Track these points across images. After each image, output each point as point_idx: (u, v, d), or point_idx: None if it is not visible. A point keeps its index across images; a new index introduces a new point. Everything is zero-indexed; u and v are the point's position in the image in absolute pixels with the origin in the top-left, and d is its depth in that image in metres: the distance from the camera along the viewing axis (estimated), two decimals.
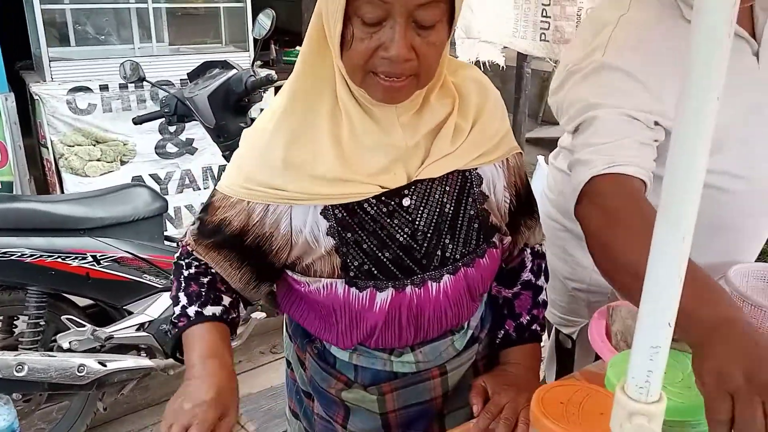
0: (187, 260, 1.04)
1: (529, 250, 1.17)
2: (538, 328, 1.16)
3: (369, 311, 0.97)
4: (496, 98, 1.03)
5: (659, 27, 1.11)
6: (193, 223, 1.03)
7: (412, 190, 0.96)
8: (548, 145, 6.28)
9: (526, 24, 2.54)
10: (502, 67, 2.76)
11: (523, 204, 1.11)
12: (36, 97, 3.59)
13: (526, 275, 1.16)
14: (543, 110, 7.03)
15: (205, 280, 1.02)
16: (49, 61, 3.62)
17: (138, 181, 3.86)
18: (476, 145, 0.98)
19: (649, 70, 1.06)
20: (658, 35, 1.10)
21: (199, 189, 4.10)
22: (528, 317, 1.15)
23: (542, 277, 1.18)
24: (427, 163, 0.94)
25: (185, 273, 1.03)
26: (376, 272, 0.96)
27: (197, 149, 4.00)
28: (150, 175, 3.93)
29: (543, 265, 1.19)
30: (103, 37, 4.60)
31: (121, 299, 2.32)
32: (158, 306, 2.38)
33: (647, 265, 0.57)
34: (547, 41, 2.52)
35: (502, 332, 1.16)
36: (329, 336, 1.05)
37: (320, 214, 0.94)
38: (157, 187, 3.93)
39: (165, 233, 2.55)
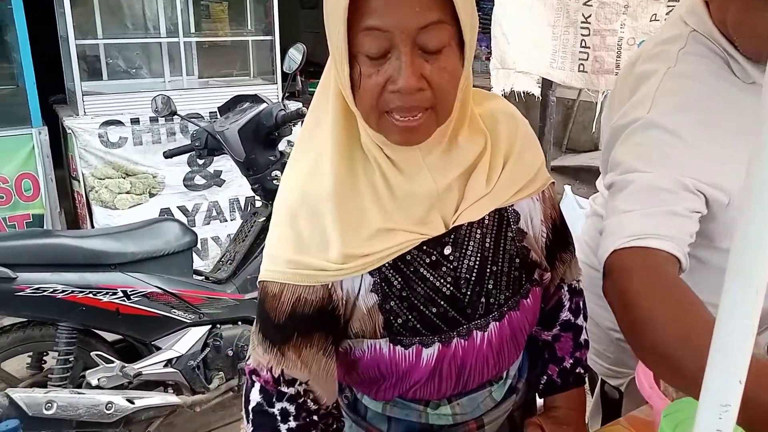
0: (279, 404, 0.88)
1: (566, 287, 1.11)
2: (582, 371, 1.12)
3: (415, 367, 0.92)
4: (526, 129, 0.98)
5: (711, 83, 1.03)
6: (254, 349, 0.90)
7: (452, 236, 0.91)
8: (573, 173, 6.23)
9: (564, 55, 2.51)
10: (538, 97, 2.74)
11: (559, 237, 1.07)
12: (69, 131, 3.65)
13: (565, 315, 1.11)
14: (568, 138, 6.98)
15: None
16: (83, 95, 3.68)
17: (166, 212, 3.89)
18: (512, 180, 0.93)
19: (698, 130, 0.98)
20: (709, 92, 1.02)
21: (227, 221, 4.11)
22: (571, 361, 1.10)
23: (581, 316, 1.13)
24: (462, 208, 0.89)
25: (283, 429, 0.88)
26: (421, 328, 0.90)
27: (225, 181, 4.02)
28: (178, 207, 3.95)
29: (581, 303, 1.14)
30: (134, 70, 4.69)
31: (149, 335, 2.31)
32: (186, 341, 2.37)
33: (717, 319, 0.53)
34: (586, 72, 2.49)
35: (545, 378, 1.11)
36: (369, 390, 1.00)
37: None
38: (184, 219, 3.95)
39: (193, 267, 2.55)
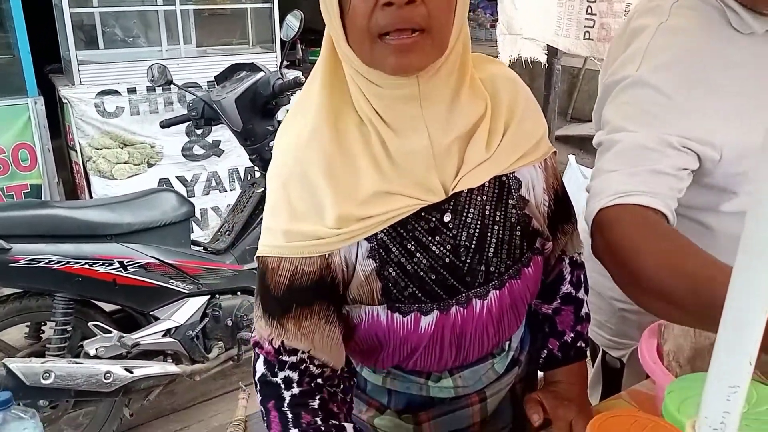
0: (282, 373, 0.87)
1: (567, 260, 1.09)
2: (583, 345, 1.10)
3: (414, 335, 0.90)
4: (527, 95, 0.95)
5: (702, 38, 1.01)
6: (257, 322, 0.89)
7: (451, 203, 0.88)
8: (578, 143, 6.17)
9: (569, 22, 2.45)
10: (544, 64, 2.68)
11: (561, 208, 1.04)
12: (65, 101, 3.61)
13: (566, 288, 1.09)
14: (573, 107, 6.91)
15: (316, 403, 0.88)
16: (78, 64, 3.63)
17: (165, 183, 3.87)
18: (513, 147, 0.90)
19: (687, 88, 0.96)
20: (702, 46, 1.00)
21: (226, 191, 4.09)
22: (572, 334, 1.08)
23: (582, 289, 1.11)
24: (462, 173, 0.86)
25: (286, 396, 0.88)
26: (420, 295, 0.89)
27: (224, 151, 3.99)
28: (177, 177, 3.92)
29: (582, 276, 1.11)
30: (131, 39, 4.63)
31: (147, 305, 2.31)
32: (184, 311, 2.36)
33: (727, 297, 0.50)
34: (592, 39, 2.43)
35: (546, 352, 1.09)
36: (368, 360, 0.99)
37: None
38: (183, 190, 3.93)
39: (191, 237, 2.53)
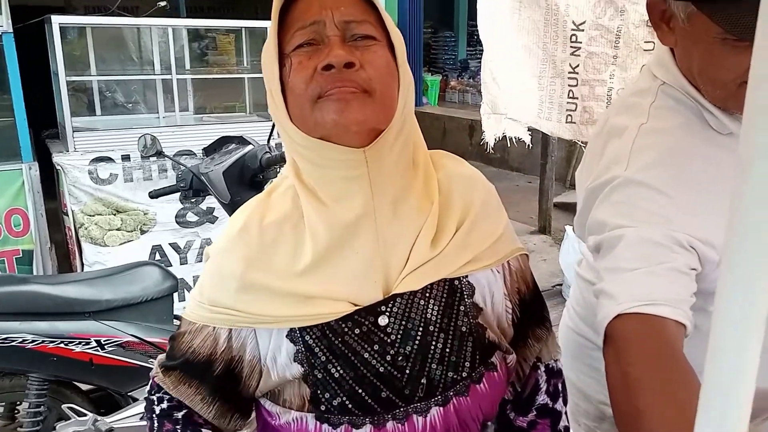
0: (157, 395, 0.93)
1: (543, 367, 1.01)
2: None
3: None
4: (488, 193, 0.92)
5: (686, 137, 0.98)
6: (165, 354, 0.94)
7: (390, 306, 0.83)
8: (576, 209, 6.14)
9: (551, 105, 2.45)
10: (529, 145, 2.67)
11: (531, 312, 0.98)
12: (58, 167, 3.61)
13: (542, 398, 1.00)
14: (571, 174, 6.92)
15: (180, 414, 0.91)
16: (73, 131, 3.65)
17: (157, 250, 3.83)
18: (464, 248, 0.85)
19: (680, 186, 0.92)
20: (685, 146, 0.97)
21: None
22: None
23: (560, 400, 1.02)
24: (405, 272, 0.82)
25: (157, 410, 0.92)
26: (351, 406, 0.82)
27: (218, 218, 3.96)
28: (170, 244, 3.88)
29: (560, 385, 1.03)
30: (130, 105, 4.68)
31: (125, 385, 2.23)
32: None
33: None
34: (575, 123, 2.42)
35: None
36: None
37: (286, 336, 0.83)
38: (176, 257, 3.89)
39: (176, 311, 2.47)
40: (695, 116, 0.99)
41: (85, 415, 2.12)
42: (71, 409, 2.12)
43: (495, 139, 2.65)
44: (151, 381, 0.95)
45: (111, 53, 4.62)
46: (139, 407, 2.21)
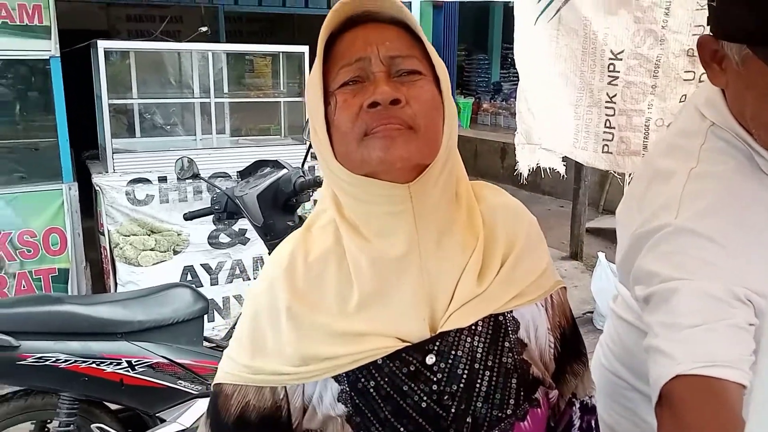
0: None
1: (578, 404, 0.97)
2: None
3: None
4: (531, 225, 0.90)
5: (738, 182, 0.93)
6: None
7: (437, 344, 0.81)
8: (610, 235, 6.04)
9: (587, 135, 2.41)
10: (563, 176, 2.64)
11: (570, 347, 0.95)
12: (96, 188, 3.69)
13: None
14: (604, 199, 6.83)
15: None
16: (113, 153, 3.73)
17: (189, 270, 3.87)
18: (510, 284, 0.83)
19: (736, 235, 0.87)
20: (738, 192, 0.92)
21: (249, 279, 4.07)
22: None
23: None
24: (452, 309, 0.80)
25: None
26: None
27: (249, 239, 4.00)
28: (201, 264, 3.93)
29: (594, 422, 1.00)
30: (168, 127, 4.77)
31: (154, 406, 2.24)
32: (192, 414, 2.28)
33: None
34: (611, 153, 2.38)
35: None
36: None
37: (331, 377, 0.81)
38: (207, 278, 3.92)
39: (206, 332, 2.48)
40: (747, 160, 0.94)
41: None
42: (100, 429, 2.14)
43: (529, 170, 2.62)
44: None
45: (152, 76, 4.73)
46: (168, 428, 2.22)
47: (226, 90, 4.57)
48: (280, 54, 4.75)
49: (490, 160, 9.01)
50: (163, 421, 2.25)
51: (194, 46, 4.54)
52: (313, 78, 0.77)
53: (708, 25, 0.95)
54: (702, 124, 0.99)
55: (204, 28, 4.81)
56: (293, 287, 0.81)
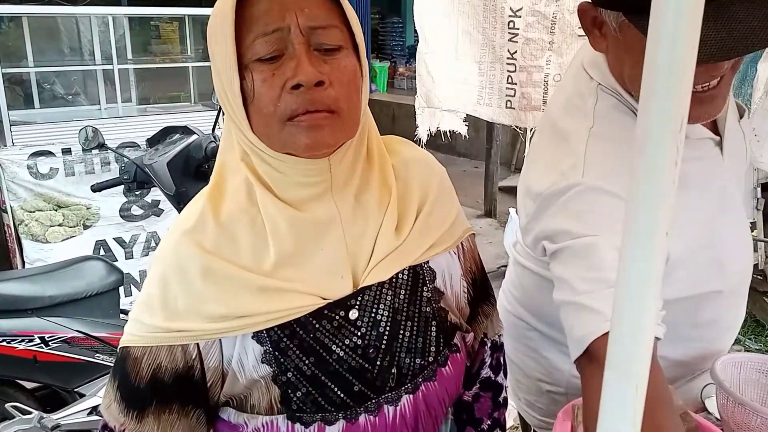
0: None
1: (489, 343, 1.05)
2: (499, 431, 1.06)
3: None
4: (441, 177, 0.93)
5: (631, 142, 0.99)
6: (108, 405, 0.81)
7: (359, 299, 0.82)
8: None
9: (491, 91, 2.47)
10: (465, 136, 2.69)
11: (480, 290, 1.01)
12: None
13: (485, 372, 1.04)
14: (516, 158, 7.05)
15: None
16: (10, 125, 3.53)
17: (101, 245, 3.75)
18: (425, 233, 0.86)
19: None
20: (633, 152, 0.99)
21: None
22: (489, 422, 1.04)
23: (501, 373, 1.07)
24: (372, 264, 0.82)
25: None
26: (323, 402, 0.81)
27: (163, 210, 3.89)
28: (114, 238, 3.80)
29: (502, 359, 1.07)
30: (70, 97, 4.54)
31: (71, 381, 2.19)
32: None
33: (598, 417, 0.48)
34: (513, 108, 2.46)
35: None
36: None
37: (252, 337, 0.79)
38: (121, 252, 3.81)
39: (122, 305, 2.44)
40: (632, 120, 0.99)
41: (30, 413, 2.08)
42: (15, 407, 2.07)
43: (428, 135, 2.66)
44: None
45: (49, 44, 4.47)
46: (87, 403, 2.19)
47: (129, 56, 4.39)
48: (186, 17, 4.58)
49: (407, 124, 9.02)
50: (82, 395, 2.21)
51: (92, 9, 4.31)
52: (225, 46, 0.72)
53: None
54: (590, 84, 1.03)
55: None
56: (202, 246, 0.78)
